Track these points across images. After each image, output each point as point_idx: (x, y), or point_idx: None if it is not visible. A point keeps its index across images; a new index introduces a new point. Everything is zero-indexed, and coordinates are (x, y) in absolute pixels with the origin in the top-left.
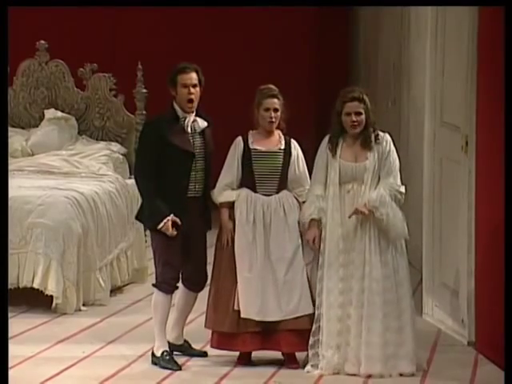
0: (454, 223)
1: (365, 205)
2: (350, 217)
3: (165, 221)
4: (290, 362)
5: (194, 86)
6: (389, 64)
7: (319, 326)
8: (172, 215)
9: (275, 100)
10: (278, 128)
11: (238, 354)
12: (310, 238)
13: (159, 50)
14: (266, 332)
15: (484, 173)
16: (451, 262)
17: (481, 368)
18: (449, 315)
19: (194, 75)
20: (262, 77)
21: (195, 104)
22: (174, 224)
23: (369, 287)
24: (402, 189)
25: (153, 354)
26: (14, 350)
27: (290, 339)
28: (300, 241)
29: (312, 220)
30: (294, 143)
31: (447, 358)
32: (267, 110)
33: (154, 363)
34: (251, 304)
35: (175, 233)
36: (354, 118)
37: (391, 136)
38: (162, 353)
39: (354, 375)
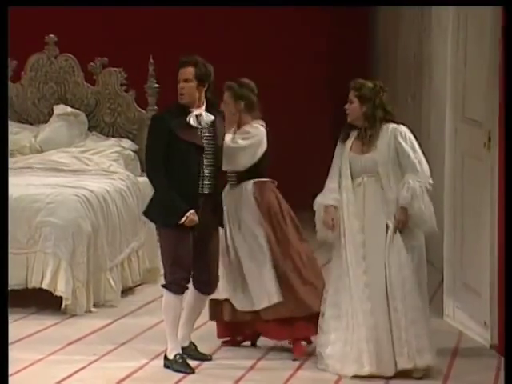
0: (476, 222)
1: (401, 208)
2: (395, 231)
3: (187, 215)
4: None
5: (186, 80)
6: (409, 57)
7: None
8: (193, 210)
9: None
10: None
11: (246, 359)
12: (327, 220)
13: (171, 44)
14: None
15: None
16: (473, 261)
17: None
18: (471, 317)
19: (188, 69)
20: (279, 74)
21: (187, 98)
22: (189, 219)
23: (389, 280)
24: (431, 179)
25: (165, 357)
26: (24, 352)
27: (273, 328)
28: None
29: (327, 206)
30: None
31: (469, 361)
32: None
33: (167, 366)
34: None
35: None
36: (346, 106)
37: (410, 129)
38: (175, 356)
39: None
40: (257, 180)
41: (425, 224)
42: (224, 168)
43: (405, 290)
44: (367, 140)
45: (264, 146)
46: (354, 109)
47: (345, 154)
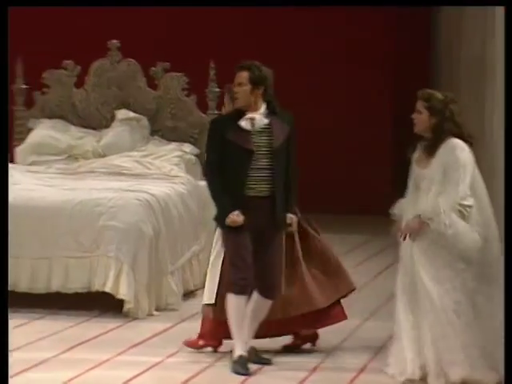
0: None
1: (419, 217)
2: (401, 236)
3: (230, 216)
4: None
5: (240, 84)
6: (472, 57)
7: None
8: (236, 212)
9: None
10: None
11: (307, 361)
12: (396, 232)
13: (232, 49)
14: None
15: None
16: None
17: None
18: None
19: (242, 74)
20: (341, 77)
21: (241, 102)
22: (237, 221)
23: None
24: (467, 201)
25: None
26: (88, 354)
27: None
28: None
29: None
30: None
31: None
32: None
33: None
34: None
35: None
36: (413, 116)
37: (469, 141)
38: (238, 356)
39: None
40: None
41: (458, 242)
42: None
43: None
44: (428, 154)
45: None
46: (421, 119)
47: (412, 166)
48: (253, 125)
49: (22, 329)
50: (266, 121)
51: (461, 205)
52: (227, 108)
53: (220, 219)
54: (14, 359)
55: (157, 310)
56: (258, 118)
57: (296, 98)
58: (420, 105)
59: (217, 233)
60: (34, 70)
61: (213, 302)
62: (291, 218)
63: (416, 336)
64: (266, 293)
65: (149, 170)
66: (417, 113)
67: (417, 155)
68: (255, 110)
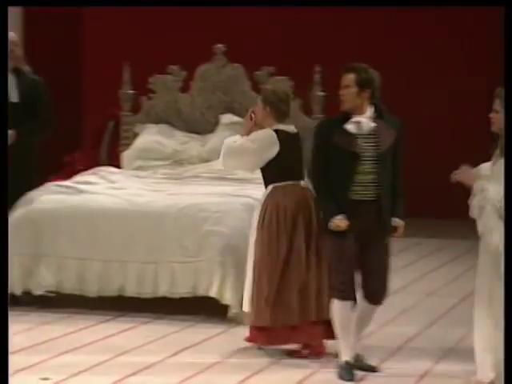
0: None
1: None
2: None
3: (333, 220)
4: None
5: (346, 86)
6: None
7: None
8: (341, 216)
9: None
10: None
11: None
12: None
13: (337, 51)
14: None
15: None
16: None
17: None
18: None
19: (349, 76)
20: (438, 79)
21: (347, 104)
22: (342, 225)
23: None
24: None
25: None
26: (193, 358)
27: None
28: None
29: None
30: None
31: None
32: None
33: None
34: None
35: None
36: (490, 115)
37: None
38: (343, 362)
39: None
40: (275, 185)
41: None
42: (223, 167)
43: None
44: (499, 154)
45: (272, 150)
46: (498, 119)
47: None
48: (359, 128)
49: (129, 333)
50: (372, 124)
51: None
52: (258, 110)
53: (324, 223)
54: (121, 363)
55: None
56: (364, 121)
57: (402, 101)
58: (497, 104)
59: (251, 239)
60: (140, 75)
61: (247, 309)
62: (397, 222)
63: (495, 339)
64: (370, 298)
65: (252, 175)
66: (494, 112)
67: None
68: (362, 113)
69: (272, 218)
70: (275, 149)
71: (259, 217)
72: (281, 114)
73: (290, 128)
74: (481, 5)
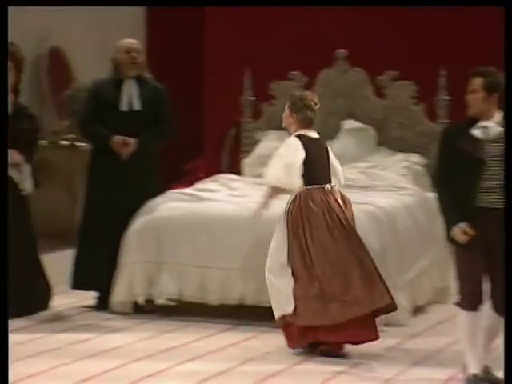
0: None
1: None
2: None
3: (456, 229)
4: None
5: (473, 91)
6: None
7: None
8: (463, 224)
9: None
10: None
11: None
12: None
13: (463, 55)
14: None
15: None
16: None
17: None
18: None
19: (476, 80)
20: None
21: (474, 109)
22: (466, 234)
23: None
24: None
25: None
26: (315, 364)
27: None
28: None
29: None
30: None
31: None
32: None
33: None
34: None
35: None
36: None
37: None
38: (472, 375)
39: None
40: (303, 189)
41: None
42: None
43: None
44: None
45: (298, 156)
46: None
47: None
48: (486, 133)
49: (250, 342)
50: (500, 129)
51: None
52: (285, 116)
53: (446, 232)
54: (244, 371)
55: (386, 325)
56: (491, 126)
57: None
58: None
59: (270, 248)
60: (261, 81)
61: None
62: None
63: None
64: (498, 308)
65: (375, 182)
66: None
67: None
68: (489, 118)
69: (298, 224)
70: (302, 153)
71: (284, 223)
72: (306, 121)
73: (313, 134)
74: (481, 5)
